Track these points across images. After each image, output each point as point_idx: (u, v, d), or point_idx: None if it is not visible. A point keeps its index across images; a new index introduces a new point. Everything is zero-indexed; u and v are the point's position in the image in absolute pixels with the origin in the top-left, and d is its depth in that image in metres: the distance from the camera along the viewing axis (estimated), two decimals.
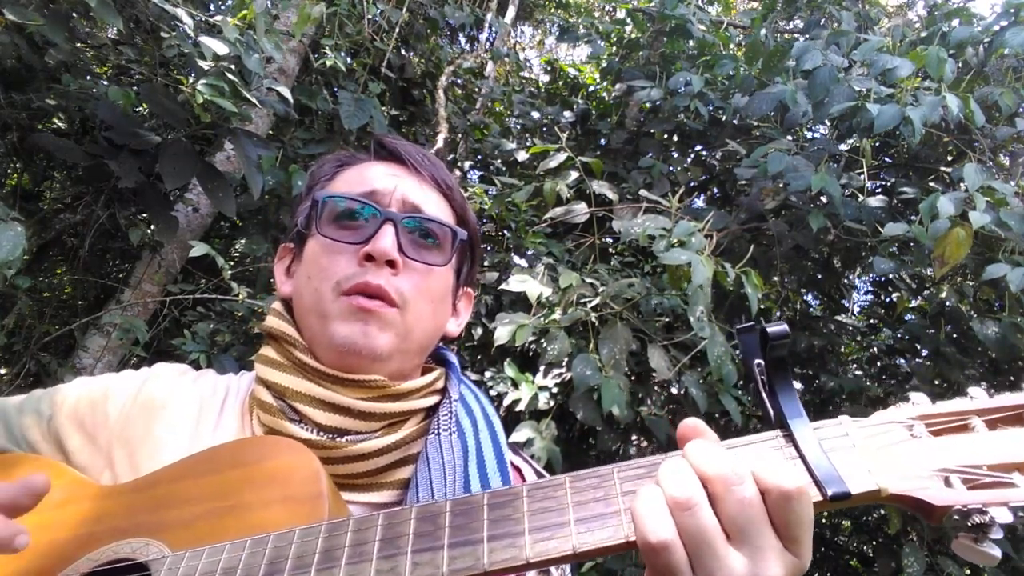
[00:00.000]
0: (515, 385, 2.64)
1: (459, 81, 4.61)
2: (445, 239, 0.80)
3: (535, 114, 4.36)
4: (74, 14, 2.44)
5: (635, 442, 2.93)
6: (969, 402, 0.55)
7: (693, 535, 0.46)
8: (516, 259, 3.17)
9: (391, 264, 0.74)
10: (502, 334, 2.52)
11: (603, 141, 4.18)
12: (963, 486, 0.48)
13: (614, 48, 4.65)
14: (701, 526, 0.46)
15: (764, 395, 0.55)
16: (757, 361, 0.55)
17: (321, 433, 0.72)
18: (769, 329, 0.53)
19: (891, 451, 0.51)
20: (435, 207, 0.81)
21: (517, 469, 0.82)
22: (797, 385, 3.70)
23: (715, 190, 4.06)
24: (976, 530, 0.46)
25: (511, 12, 5.00)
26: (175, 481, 0.66)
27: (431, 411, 0.80)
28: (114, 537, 0.63)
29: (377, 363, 0.73)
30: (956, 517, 0.47)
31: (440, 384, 0.83)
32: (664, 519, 0.46)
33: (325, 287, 0.75)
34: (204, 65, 2.19)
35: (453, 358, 0.88)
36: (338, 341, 0.72)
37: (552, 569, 0.74)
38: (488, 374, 2.82)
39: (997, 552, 0.46)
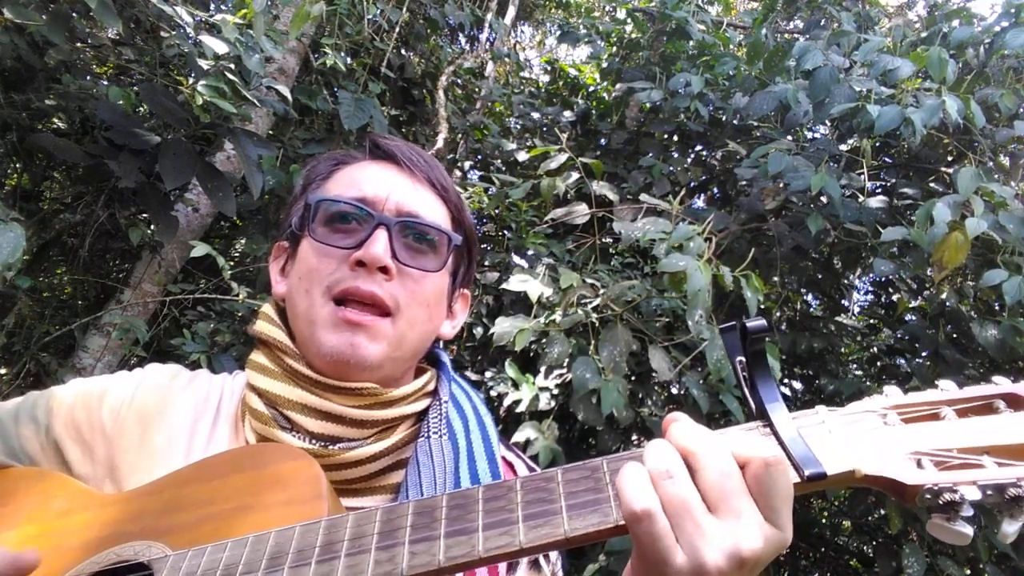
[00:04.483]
0: (516, 386, 2.64)
1: (459, 81, 4.61)
2: (440, 243, 0.78)
3: (535, 114, 4.36)
4: (74, 14, 2.44)
5: (635, 442, 2.92)
6: (939, 393, 0.57)
7: (674, 503, 0.48)
8: (517, 259, 3.17)
9: (384, 271, 0.73)
10: (501, 332, 2.51)
11: (603, 141, 4.18)
12: (934, 467, 0.51)
13: (614, 48, 4.65)
14: (681, 495, 0.48)
15: (745, 389, 0.57)
16: (739, 358, 0.58)
17: (313, 441, 0.71)
18: (748, 324, 0.55)
19: (865, 437, 0.54)
20: (430, 210, 0.79)
21: (509, 464, 0.82)
22: (797, 385, 3.70)
23: (715, 190, 4.06)
24: (948, 508, 0.49)
25: (511, 12, 5.00)
26: (178, 487, 0.66)
27: (423, 414, 0.79)
28: (118, 541, 0.64)
29: (367, 371, 0.73)
30: (928, 496, 0.49)
31: (431, 386, 0.82)
32: (646, 489, 0.48)
33: (315, 290, 0.74)
34: (204, 65, 2.18)
35: (445, 358, 0.88)
36: (326, 351, 0.71)
37: (541, 560, 0.74)
38: (488, 374, 2.82)
39: (969, 530, 0.48)
